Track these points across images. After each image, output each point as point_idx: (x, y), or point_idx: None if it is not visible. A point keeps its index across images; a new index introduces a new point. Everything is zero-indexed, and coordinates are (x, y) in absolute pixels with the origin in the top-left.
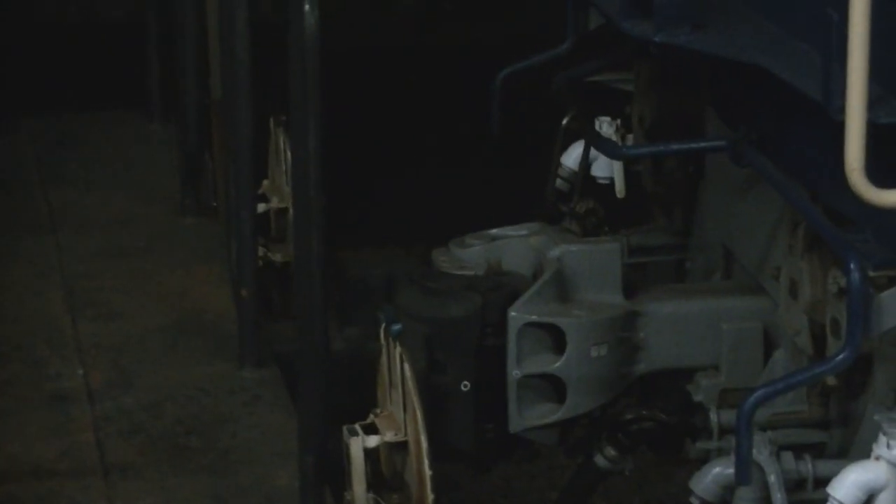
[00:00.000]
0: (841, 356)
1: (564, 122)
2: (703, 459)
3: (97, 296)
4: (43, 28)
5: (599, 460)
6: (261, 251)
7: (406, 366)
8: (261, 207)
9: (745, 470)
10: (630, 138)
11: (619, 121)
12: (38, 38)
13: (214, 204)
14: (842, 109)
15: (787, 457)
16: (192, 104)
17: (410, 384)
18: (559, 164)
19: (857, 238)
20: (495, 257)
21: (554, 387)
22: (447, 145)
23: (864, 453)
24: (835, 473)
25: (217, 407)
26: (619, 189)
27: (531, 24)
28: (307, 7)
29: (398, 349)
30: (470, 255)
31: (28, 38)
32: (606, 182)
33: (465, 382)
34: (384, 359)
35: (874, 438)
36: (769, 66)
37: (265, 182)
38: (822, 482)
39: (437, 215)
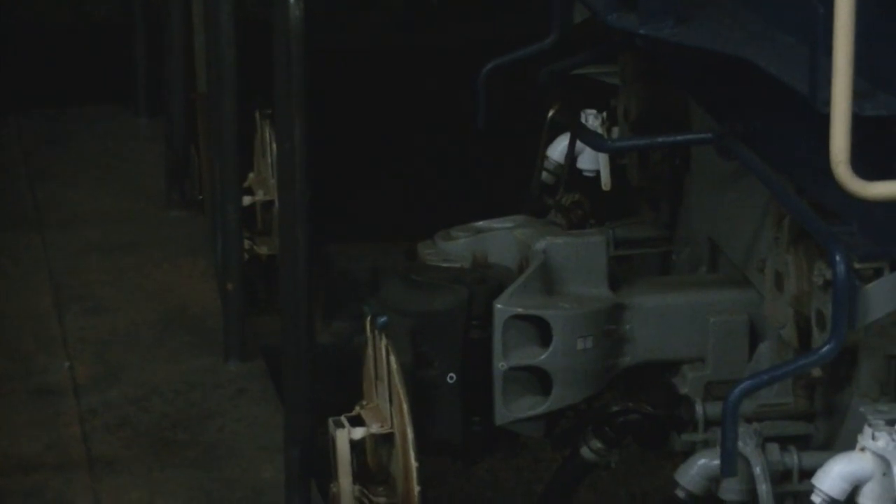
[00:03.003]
0: (826, 348)
1: (550, 115)
2: (689, 451)
3: (83, 290)
4: (30, 25)
5: (585, 453)
6: (247, 244)
7: (392, 358)
8: (246, 200)
9: (731, 462)
10: (616, 131)
11: (604, 114)
12: (25, 36)
13: (200, 197)
14: (827, 102)
15: (773, 448)
16: (177, 99)
17: (396, 376)
18: (545, 157)
19: (842, 230)
20: (481, 250)
21: (540, 379)
22: (433, 140)
23: (850, 445)
24: (820, 465)
25: (203, 401)
26: (605, 182)
27: (518, 21)
28: (291, 0)
29: (384, 341)
30: (455, 248)
31: (14, 36)
32: (592, 175)
33: (451, 375)
34: (370, 351)
35: (859, 430)
36: (754, 59)
37: (251, 175)
38: (808, 473)
39: (424, 209)
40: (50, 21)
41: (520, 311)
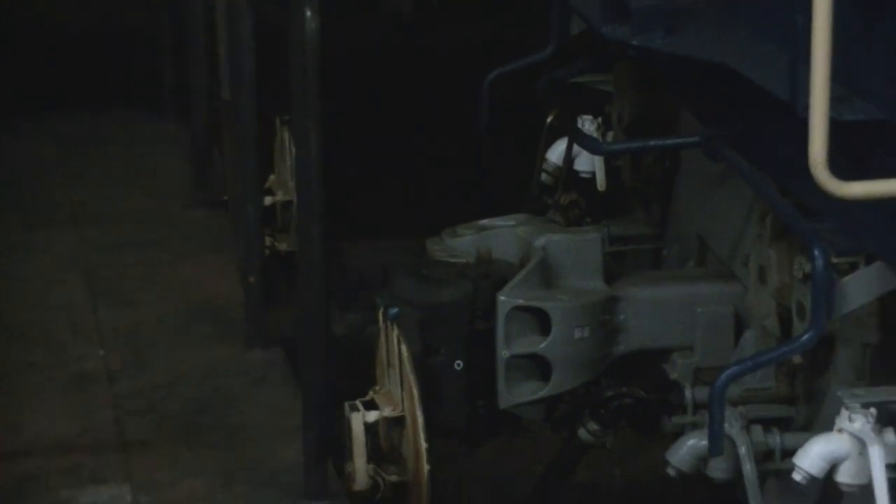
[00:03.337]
0: (806, 337)
1: (549, 120)
2: (679, 433)
3: (115, 284)
4: (65, 35)
5: (583, 434)
6: (267, 241)
7: (403, 346)
8: (267, 200)
9: (718, 442)
10: (610, 135)
11: (600, 119)
12: (61, 45)
13: (224, 197)
14: (807, 107)
15: (757, 430)
16: (201, 105)
17: (407, 364)
18: (544, 160)
19: (821, 227)
20: (485, 246)
21: (540, 366)
22: (440, 143)
23: (828, 426)
24: (801, 445)
25: (227, 387)
26: (601, 182)
27: (516, 26)
28: (308, 14)
29: (395, 331)
30: (461, 245)
31: (52, 45)
32: (588, 176)
33: (458, 362)
34: (382, 340)
35: (837, 412)
36: (739, 68)
37: (271, 177)
38: (789, 453)
39: (431, 207)
40: (83, 32)
41: (521, 302)
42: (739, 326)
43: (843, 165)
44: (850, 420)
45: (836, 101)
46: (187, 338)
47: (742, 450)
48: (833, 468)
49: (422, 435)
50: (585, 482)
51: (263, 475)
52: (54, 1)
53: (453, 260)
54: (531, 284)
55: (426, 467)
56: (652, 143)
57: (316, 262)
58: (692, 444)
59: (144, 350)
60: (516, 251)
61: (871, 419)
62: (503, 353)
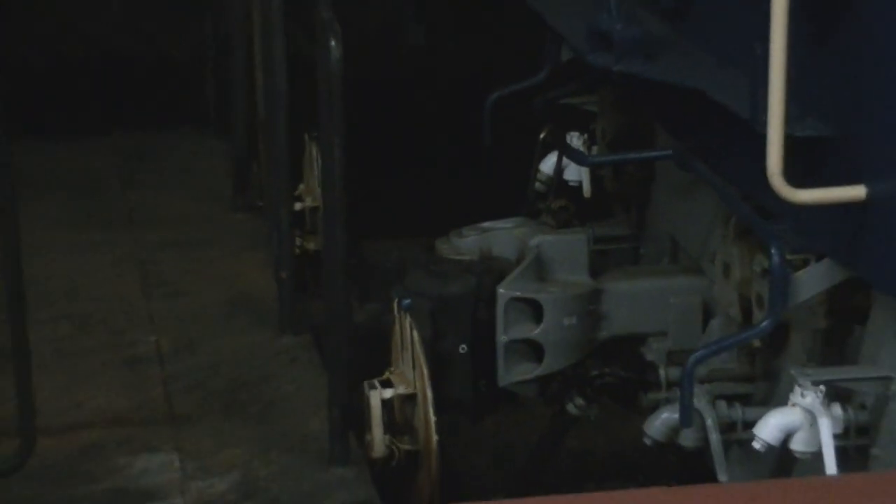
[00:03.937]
0: (764, 324)
1: (542, 136)
2: (654, 407)
3: (166, 278)
4: (123, 63)
5: (571, 408)
6: (297, 241)
7: (414, 332)
8: (297, 206)
9: (688, 415)
10: (595, 149)
11: (586, 135)
12: (120, 72)
13: (260, 203)
14: (765, 125)
15: (722, 404)
16: (241, 123)
17: (418, 347)
18: (538, 171)
19: (778, 228)
20: (487, 245)
21: (534, 350)
22: (448, 155)
23: (783, 401)
24: (759, 417)
25: (262, 367)
26: (586, 190)
27: (513, 55)
28: (332, 43)
29: (408, 319)
30: (466, 244)
31: (112, 72)
32: (576, 184)
33: (463, 346)
34: (397, 327)
35: (790, 389)
36: (706, 90)
37: (301, 185)
38: (749, 425)
39: (440, 212)
40: (140, 60)
41: (518, 294)
42: (707, 315)
43: (796, 175)
44: (802, 396)
45: (790, 119)
46: (229, 325)
47: (709, 422)
48: (788, 438)
49: (431, 409)
50: (574, 449)
51: (294, 443)
52: (114, 34)
53: (459, 257)
54: (526, 279)
55: (435, 438)
56: (631, 155)
57: (339, 259)
58: (666, 417)
59: (191, 335)
60: (514, 250)
61: (820, 395)
62: (502, 338)
